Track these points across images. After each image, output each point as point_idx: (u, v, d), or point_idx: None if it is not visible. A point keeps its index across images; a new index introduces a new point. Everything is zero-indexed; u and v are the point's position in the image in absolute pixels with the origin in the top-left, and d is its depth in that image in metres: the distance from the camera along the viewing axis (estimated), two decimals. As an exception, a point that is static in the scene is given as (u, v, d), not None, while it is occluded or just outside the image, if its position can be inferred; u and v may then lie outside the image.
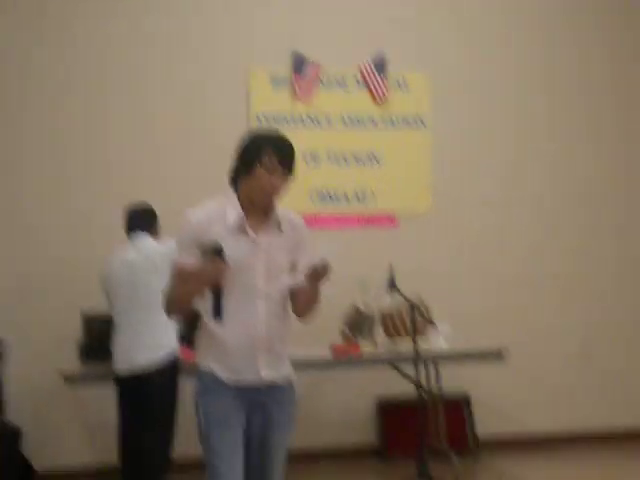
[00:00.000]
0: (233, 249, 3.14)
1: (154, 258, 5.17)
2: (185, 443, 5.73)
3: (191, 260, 3.17)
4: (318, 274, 3.16)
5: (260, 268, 3.21)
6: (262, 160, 3.21)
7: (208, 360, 3.26)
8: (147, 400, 5.14)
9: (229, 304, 3.17)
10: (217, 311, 3.15)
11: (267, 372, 3.24)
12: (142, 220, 5.39)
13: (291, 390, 3.37)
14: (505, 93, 7.21)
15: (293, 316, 3.37)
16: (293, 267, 3.34)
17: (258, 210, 3.26)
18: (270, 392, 3.27)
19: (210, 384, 3.24)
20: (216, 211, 3.24)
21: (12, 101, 6.44)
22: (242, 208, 3.25)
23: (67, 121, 6.48)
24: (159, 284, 5.12)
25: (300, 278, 3.22)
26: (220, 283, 3.12)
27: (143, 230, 5.35)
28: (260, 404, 3.26)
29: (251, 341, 3.20)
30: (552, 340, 7.11)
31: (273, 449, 3.30)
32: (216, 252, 3.09)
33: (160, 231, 5.48)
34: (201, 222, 3.21)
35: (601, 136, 7.38)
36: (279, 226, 3.29)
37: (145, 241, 5.29)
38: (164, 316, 5.07)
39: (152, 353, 5.08)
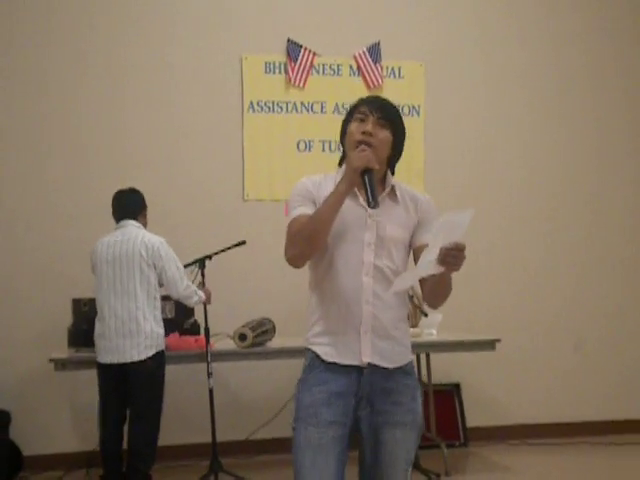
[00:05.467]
0: (341, 215, 2.80)
1: (142, 249, 5.16)
2: (169, 433, 5.80)
3: (310, 210, 2.85)
4: (453, 258, 2.66)
5: (369, 239, 2.87)
6: (353, 117, 2.94)
7: (310, 336, 2.97)
8: (133, 391, 5.13)
9: (331, 279, 2.86)
10: (374, 196, 2.74)
11: (371, 357, 2.87)
12: (131, 207, 5.36)
13: (407, 378, 2.96)
14: (499, 82, 7.18)
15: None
16: (412, 246, 2.97)
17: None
18: (377, 379, 2.89)
19: (311, 365, 2.93)
20: (327, 177, 2.98)
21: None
22: None
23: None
24: (145, 274, 5.14)
25: (428, 265, 2.66)
26: (371, 166, 2.76)
27: (132, 218, 5.32)
28: (365, 392, 2.90)
29: (355, 323, 2.85)
30: (544, 331, 7.11)
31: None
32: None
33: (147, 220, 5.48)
34: (314, 182, 2.94)
35: (598, 128, 7.37)
36: (395, 196, 2.95)
37: (135, 230, 5.26)
38: (150, 305, 5.13)
39: (139, 344, 5.07)
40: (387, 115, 2.91)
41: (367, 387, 2.88)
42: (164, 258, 5.22)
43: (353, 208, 2.87)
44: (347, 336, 2.86)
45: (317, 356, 2.91)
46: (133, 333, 5.06)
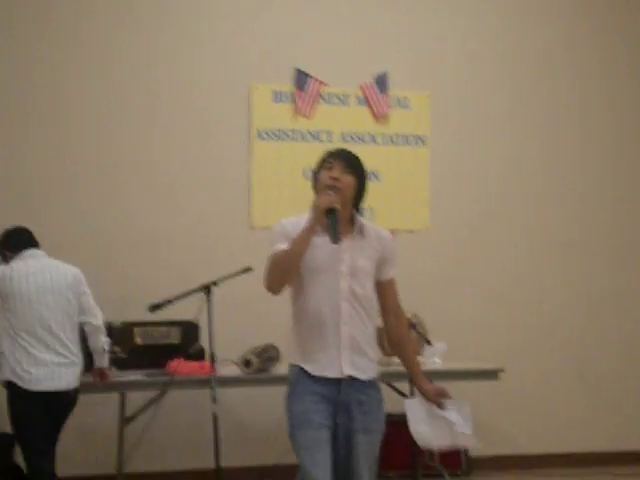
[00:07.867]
0: (318, 250, 3.37)
1: (68, 277, 5.14)
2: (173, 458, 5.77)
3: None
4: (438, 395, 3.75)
5: (343, 270, 3.42)
6: (322, 167, 3.50)
7: (296, 355, 3.52)
8: (64, 417, 5.16)
9: (314, 305, 3.42)
10: (335, 233, 3.29)
11: (350, 370, 3.42)
12: (34, 239, 5.26)
13: (376, 391, 3.55)
14: (504, 112, 7.26)
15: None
16: (377, 278, 3.54)
17: (343, 220, 3.42)
18: (353, 391, 3.44)
19: (298, 379, 3.48)
20: (301, 217, 3.46)
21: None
22: None
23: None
24: (72, 303, 5.10)
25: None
26: (334, 207, 3.30)
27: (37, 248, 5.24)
28: (343, 402, 3.43)
29: (336, 342, 3.40)
30: (548, 360, 7.12)
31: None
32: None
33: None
34: (292, 223, 3.46)
35: (600, 149, 7.46)
36: (362, 232, 3.49)
37: (50, 259, 5.20)
38: (75, 333, 5.10)
39: (74, 372, 5.08)
40: (351, 163, 3.49)
41: (345, 397, 3.43)
42: (85, 287, 5.20)
43: (329, 245, 3.34)
44: (329, 353, 3.43)
45: (304, 372, 3.46)
46: (69, 362, 5.05)
